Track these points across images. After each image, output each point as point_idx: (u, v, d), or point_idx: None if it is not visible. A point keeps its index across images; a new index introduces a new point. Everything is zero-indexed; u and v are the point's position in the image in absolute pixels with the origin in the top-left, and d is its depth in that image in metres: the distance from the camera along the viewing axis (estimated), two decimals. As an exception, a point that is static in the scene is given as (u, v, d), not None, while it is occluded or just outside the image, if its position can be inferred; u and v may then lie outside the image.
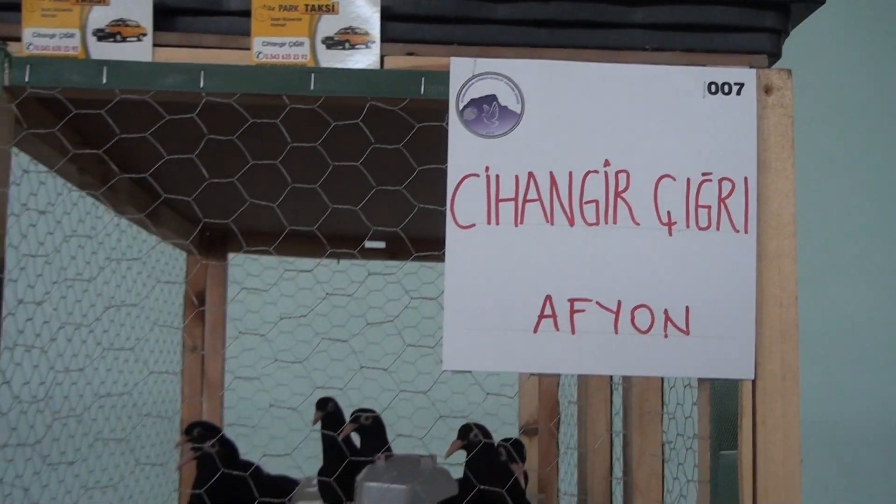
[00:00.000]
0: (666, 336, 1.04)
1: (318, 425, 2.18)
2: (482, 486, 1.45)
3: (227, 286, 2.51)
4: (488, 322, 1.04)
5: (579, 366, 1.04)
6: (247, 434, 2.53)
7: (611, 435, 1.95)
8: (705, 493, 1.05)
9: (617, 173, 1.05)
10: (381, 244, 2.49)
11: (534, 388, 2.49)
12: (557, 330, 1.04)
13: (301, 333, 2.54)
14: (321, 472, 2.16)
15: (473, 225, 1.05)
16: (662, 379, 1.57)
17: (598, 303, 1.04)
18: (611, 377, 1.95)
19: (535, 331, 1.04)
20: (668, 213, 1.05)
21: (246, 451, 2.42)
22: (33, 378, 1.66)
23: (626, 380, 1.61)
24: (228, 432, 2.48)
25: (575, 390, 2.36)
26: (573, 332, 1.04)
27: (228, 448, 1.78)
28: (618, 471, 1.89)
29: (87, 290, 2.01)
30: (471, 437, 1.78)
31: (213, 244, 2.49)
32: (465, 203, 1.05)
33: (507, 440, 1.58)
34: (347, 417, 2.11)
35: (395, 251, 2.48)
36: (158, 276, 2.41)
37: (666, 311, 1.04)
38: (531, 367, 1.03)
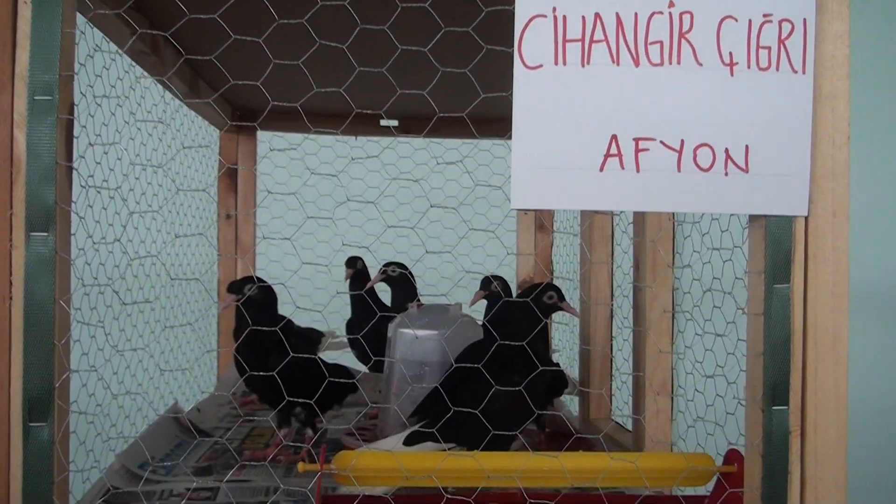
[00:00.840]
0: (726, 174, 0.90)
1: (347, 285, 2.04)
2: (501, 341, 1.33)
3: (257, 159, 2.35)
4: (555, 161, 0.89)
5: (643, 203, 0.90)
6: (277, 293, 2.39)
7: (611, 286, 1.83)
8: (758, 325, 0.93)
9: (681, 14, 0.90)
10: (394, 122, 2.32)
11: (529, 247, 2.37)
12: (622, 169, 0.90)
13: (324, 203, 2.40)
14: (349, 326, 2.04)
15: (540, 66, 0.89)
16: (674, 227, 1.44)
17: (661, 142, 0.90)
18: (612, 234, 1.83)
19: (601, 170, 0.90)
20: (730, 53, 0.91)
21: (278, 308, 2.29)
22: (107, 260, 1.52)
23: (639, 232, 1.48)
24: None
25: (571, 248, 2.24)
26: (638, 170, 0.90)
27: (269, 295, 1.64)
28: (620, 318, 1.78)
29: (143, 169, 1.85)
30: (491, 287, 1.65)
31: (244, 121, 2.31)
32: (532, 44, 0.89)
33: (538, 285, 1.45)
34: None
35: (408, 128, 2.32)
36: (196, 150, 2.24)
37: (727, 150, 0.90)
38: (596, 204, 0.89)
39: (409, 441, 1.30)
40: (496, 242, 2.35)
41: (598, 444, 1.71)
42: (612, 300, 1.81)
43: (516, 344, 1.36)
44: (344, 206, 2.45)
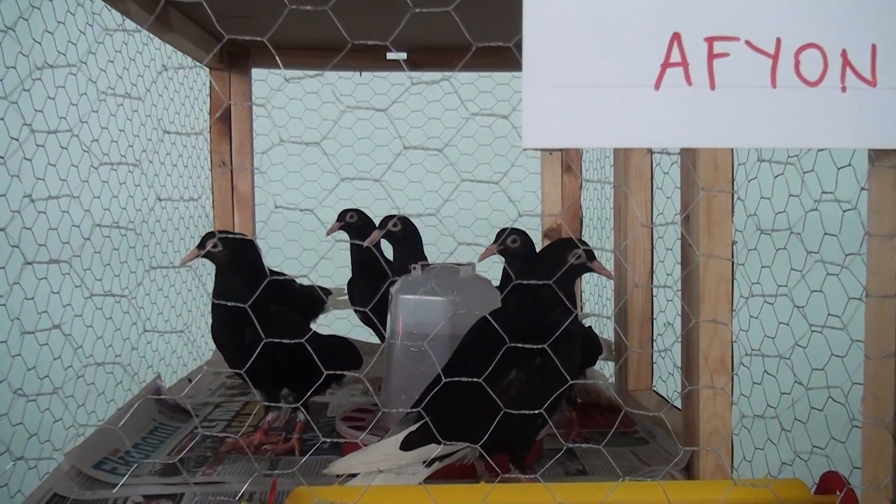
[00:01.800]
0: (843, 89, 0.58)
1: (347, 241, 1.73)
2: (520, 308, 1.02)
3: (251, 101, 2.03)
4: (585, 77, 0.57)
5: (719, 136, 0.58)
6: (279, 247, 2.10)
7: (651, 238, 1.51)
8: (886, 313, 0.61)
9: None
10: (402, 55, 1.99)
11: (555, 191, 2.04)
12: (689, 84, 0.57)
13: (328, 146, 2.08)
14: (350, 285, 1.73)
15: (563, -69, 0.57)
16: (733, 157, 1.11)
17: (748, 42, 0.57)
18: (651, 176, 1.50)
19: (657, 86, 0.57)
20: None
21: (279, 263, 2.00)
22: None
23: (687, 174, 1.15)
24: (261, 245, 2.06)
25: (602, 193, 1.91)
26: (712, 85, 0.57)
27: (241, 253, 1.28)
28: (662, 275, 1.46)
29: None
30: (508, 242, 1.33)
31: (235, 59, 1.99)
32: None
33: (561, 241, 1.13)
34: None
35: (417, 61, 1.98)
36: (183, 92, 1.93)
37: (844, 53, 0.58)
38: (646, 139, 0.58)
39: (408, 444, 1.01)
40: (516, 187, 2.03)
41: (640, 424, 1.41)
42: (652, 253, 1.49)
43: (536, 315, 1.05)
44: (350, 150, 2.14)
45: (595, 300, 1.90)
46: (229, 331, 1.28)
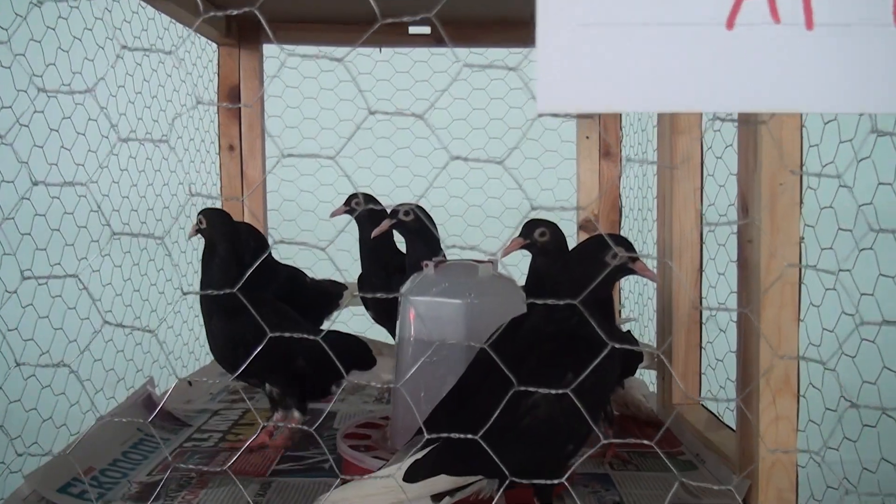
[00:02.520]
0: None
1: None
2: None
3: (262, 80, 1.88)
4: (624, 12, 0.41)
5: (819, 97, 0.41)
6: (293, 237, 1.96)
7: (700, 232, 1.33)
8: None
9: None
10: (425, 29, 1.82)
11: (592, 178, 1.87)
12: (776, 21, 0.40)
13: (345, 129, 1.93)
14: (360, 281, 1.57)
15: None
16: (802, 136, 0.93)
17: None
18: (702, 161, 1.32)
19: (729, 24, 0.40)
20: None
21: (292, 256, 1.85)
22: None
23: (748, 156, 0.97)
24: (273, 235, 1.91)
25: (644, 180, 1.74)
26: (809, 24, 0.40)
27: (225, 233, 1.18)
28: (713, 274, 1.28)
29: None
30: (535, 235, 1.17)
31: (244, 35, 1.84)
32: None
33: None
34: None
35: (441, 36, 1.82)
36: (189, 70, 1.79)
37: None
38: (710, 100, 0.41)
39: (412, 475, 0.85)
40: (549, 174, 1.86)
41: (687, 444, 1.24)
42: (701, 248, 1.32)
43: (569, 325, 0.89)
44: (370, 132, 1.98)
45: (634, 301, 1.73)
46: (206, 315, 1.16)
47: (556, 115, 0.49)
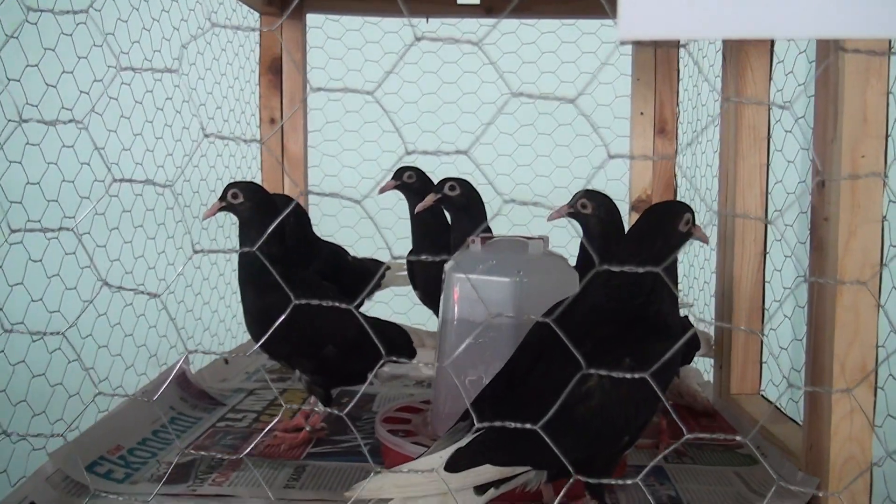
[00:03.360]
0: None
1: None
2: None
3: (305, 51, 1.82)
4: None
5: None
6: (333, 214, 1.90)
7: (766, 214, 1.25)
8: None
9: None
10: (475, -1, 1.74)
11: (646, 150, 1.78)
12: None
13: (390, 102, 1.87)
14: (409, 259, 1.51)
15: None
16: (888, 103, 0.85)
17: None
18: (769, 134, 1.23)
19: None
20: None
21: (333, 233, 1.80)
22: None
23: (824, 124, 0.89)
24: (313, 212, 1.85)
25: (703, 158, 1.65)
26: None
27: (264, 207, 1.10)
28: (779, 257, 1.20)
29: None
30: (577, 205, 1.10)
31: (287, 3, 1.78)
32: None
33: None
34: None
35: (491, 6, 1.74)
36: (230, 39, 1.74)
37: None
38: (791, 25, 0.34)
39: (455, 464, 0.79)
40: (600, 151, 1.78)
41: (746, 435, 1.16)
42: (766, 229, 1.24)
43: (632, 304, 0.82)
44: (414, 107, 1.91)
45: (690, 285, 1.65)
46: (244, 292, 1.10)
47: (637, 42, 0.41)
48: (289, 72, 1.81)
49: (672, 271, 0.93)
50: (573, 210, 1.09)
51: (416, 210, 1.28)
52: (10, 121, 0.81)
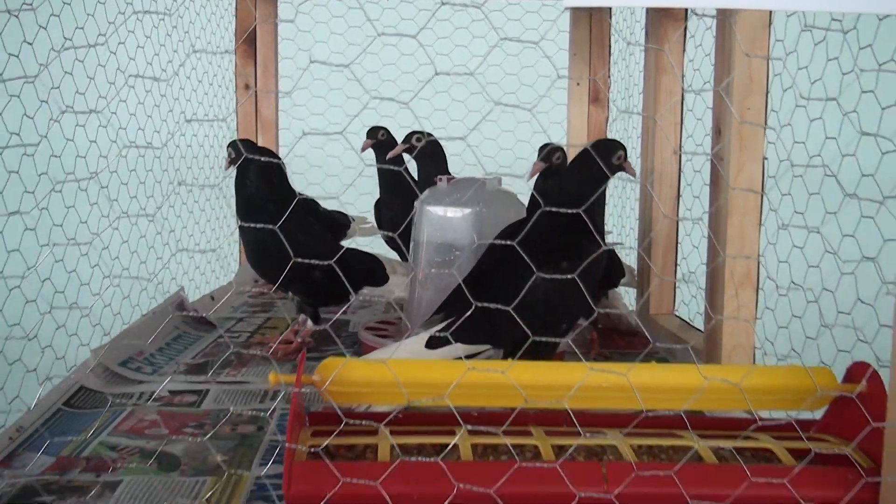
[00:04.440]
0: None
1: (374, 162, 1.72)
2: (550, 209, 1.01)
3: (277, 23, 2.02)
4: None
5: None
6: (302, 173, 2.10)
7: (679, 160, 1.50)
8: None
9: None
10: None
11: (582, 122, 2.02)
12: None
13: (357, 71, 2.06)
14: (377, 206, 1.73)
15: None
16: (769, 75, 1.10)
17: None
18: (682, 99, 1.48)
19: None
20: None
21: (302, 189, 2.00)
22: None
23: (719, 82, 1.14)
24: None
25: (629, 121, 1.90)
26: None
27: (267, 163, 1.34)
28: (689, 198, 1.45)
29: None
30: (553, 159, 1.32)
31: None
32: None
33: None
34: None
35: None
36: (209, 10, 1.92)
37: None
38: None
39: (432, 344, 1.01)
40: (542, 118, 2.02)
41: (661, 345, 1.41)
42: (679, 175, 1.48)
43: (568, 213, 1.05)
44: (376, 76, 2.12)
45: (619, 229, 1.89)
46: (243, 229, 1.32)
47: (579, 8, 0.63)
48: (262, 42, 2.00)
49: (601, 203, 1.16)
50: (549, 164, 1.30)
51: (388, 156, 1.49)
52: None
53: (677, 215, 1.47)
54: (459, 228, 1.22)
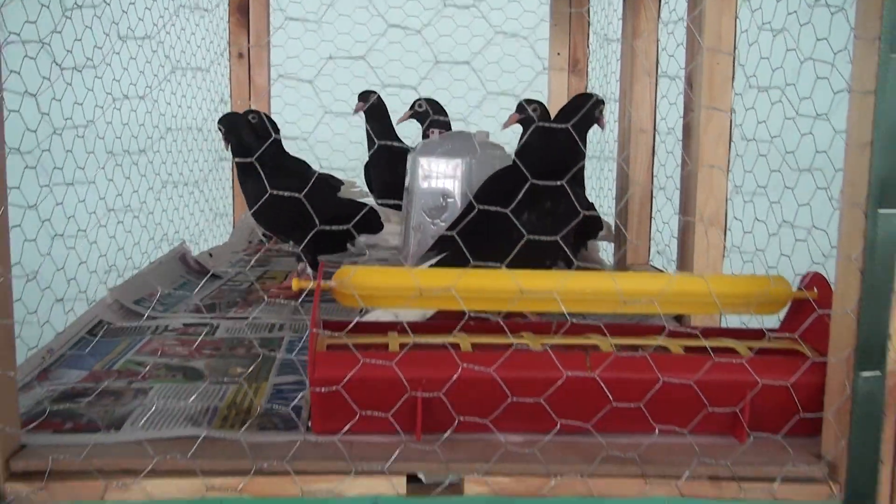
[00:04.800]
0: None
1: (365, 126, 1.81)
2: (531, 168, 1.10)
3: (269, -5, 2.10)
4: None
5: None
6: (293, 138, 2.18)
7: (654, 125, 1.60)
8: (866, 107, 0.70)
9: None
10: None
11: (562, 90, 2.12)
12: None
13: (342, 42, 2.15)
14: (367, 168, 1.82)
15: None
16: (736, 33, 1.20)
17: None
18: (657, 62, 1.58)
19: None
20: None
21: (294, 152, 2.08)
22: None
23: (691, 43, 1.24)
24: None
25: (607, 87, 1.99)
26: None
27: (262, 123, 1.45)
28: (662, 157, 1.55)
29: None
30: (528, 111, 1.42)
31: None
32: None
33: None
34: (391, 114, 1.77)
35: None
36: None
37: None
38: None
39: (429, 273, 1.11)
40: (524, 87, 2.11)
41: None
42: (654, 136, 1.58)
43: (552, 161, 1.14)
44: (364, 45, 2.20)
45: (596, 195, 1.99)
46: (244, 182, 1.40)
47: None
48: (254, 9, 2.08)
49: (581, 151, 1.25)
50: (524, 115, 1.40)
51: (397, 122, 1.58)
52: None
53: (652, 173, 1.57)
54: (450, 177, 1.32)
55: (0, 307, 0.72)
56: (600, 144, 1.97)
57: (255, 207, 1.43)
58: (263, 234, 1.94)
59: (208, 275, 1.58)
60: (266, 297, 1.39)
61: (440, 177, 1.32)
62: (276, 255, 1.84)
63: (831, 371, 0.75)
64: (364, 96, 1.71)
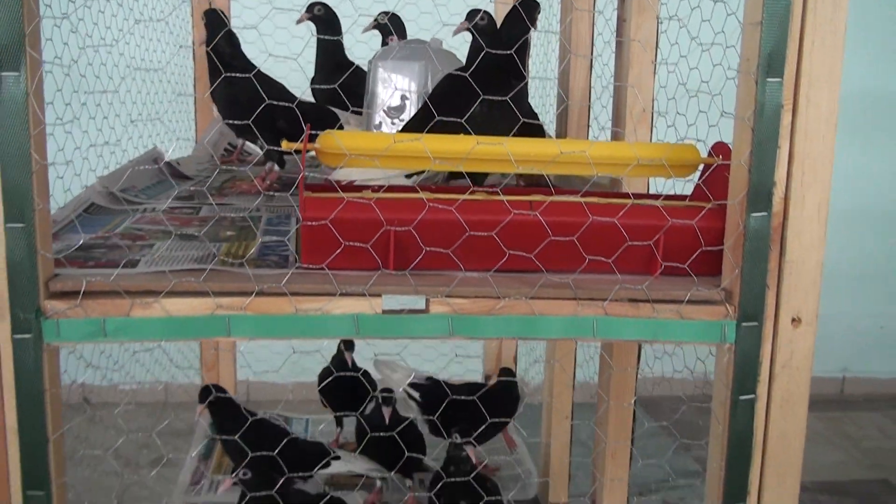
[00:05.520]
0: None
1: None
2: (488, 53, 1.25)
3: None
4: None
5: None
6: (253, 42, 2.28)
7: (593, 30, 1.75)
8: None
9: None
10: None
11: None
12: None
13: None
14: (313, 82, 1.93)
15: None
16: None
17: None
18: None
19: None
20: None
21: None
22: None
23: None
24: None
25: (550, 10, 2.13)
26: None
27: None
28: (599, 70, 1.71)
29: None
30: (477, 19, 1.55)
31: None
32: None
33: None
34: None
35: None
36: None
37: None
38: None
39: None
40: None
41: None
42: (592, 39, 1.73)
43: (502, 54, 1.28)
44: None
45: (539, 111, 2.14)
46: (214, 84, 1.52)
47: None
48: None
49: (525, 52, 1.40)
50: (473, 24, 1.52)
51: (363, 31, 1.70)
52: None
53: (590, 84, 1.72)
54: (408, 78, 1.46)
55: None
56: (542, 65, 2.12)
57: (226, 107, 1.55)
58: (227, 147, 2.06)
59: (181, 177, 1.70)
60: (239, 191, 1.52)
61: (399, 78, 1.46)
62: (239, 164, 1.96)
63: (729, 213, 0.93)
64: (309, 7, 1.80)
